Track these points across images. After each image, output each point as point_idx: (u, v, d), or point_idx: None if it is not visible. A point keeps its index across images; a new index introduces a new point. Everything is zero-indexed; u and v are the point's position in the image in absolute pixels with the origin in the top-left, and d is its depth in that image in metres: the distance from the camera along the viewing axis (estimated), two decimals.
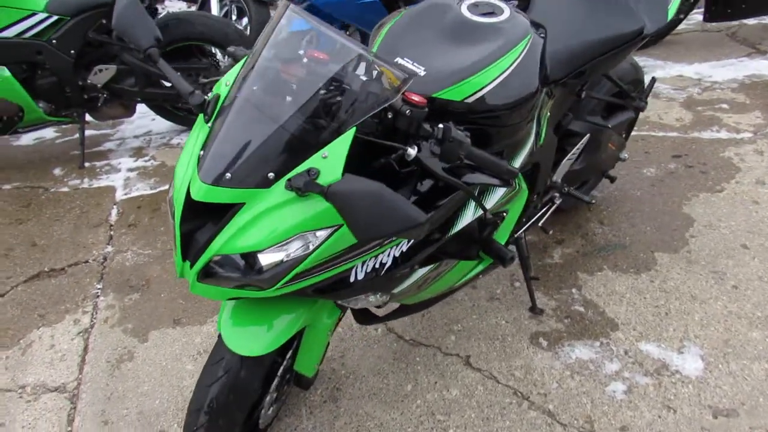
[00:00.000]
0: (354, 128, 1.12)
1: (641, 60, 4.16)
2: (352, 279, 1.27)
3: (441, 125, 1.16)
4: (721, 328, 1.98)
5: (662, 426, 1.68)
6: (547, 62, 1.66)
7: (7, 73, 2.99)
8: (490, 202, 1.49)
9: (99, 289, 2.44)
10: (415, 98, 1.18)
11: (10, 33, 2.95)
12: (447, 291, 1.67)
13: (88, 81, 3.16)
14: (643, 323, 2.03)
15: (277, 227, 1.12)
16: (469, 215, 1.43)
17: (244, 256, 1.17)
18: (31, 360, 2.11)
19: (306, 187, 1.06)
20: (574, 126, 1.99)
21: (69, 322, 2.27)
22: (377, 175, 1.25)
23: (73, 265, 2.60)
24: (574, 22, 1.79)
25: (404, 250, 1.31)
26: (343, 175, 1.11)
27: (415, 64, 1.38)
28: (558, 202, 2.08)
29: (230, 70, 1.31)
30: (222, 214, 1.17)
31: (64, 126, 3.90)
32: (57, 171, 3.42)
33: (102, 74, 3.17)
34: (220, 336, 1.37)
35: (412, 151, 1.15)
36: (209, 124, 1.22)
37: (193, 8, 4.46)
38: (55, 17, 2.98)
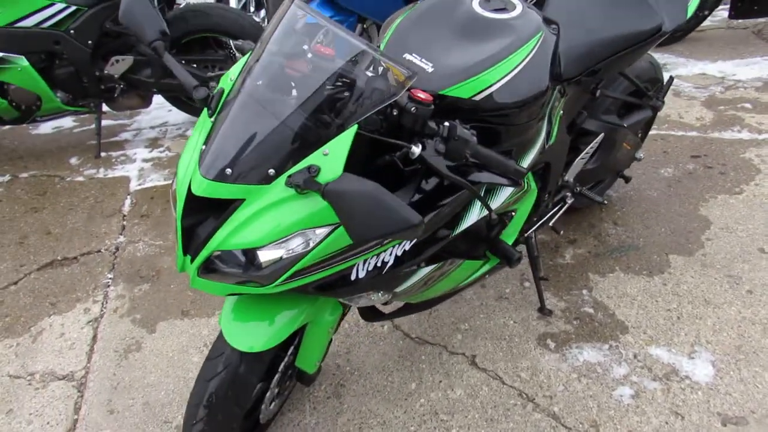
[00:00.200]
0: (356, 125, 1.10)
1: (663, 57, 4.08)
2: (353, 277, 1.26)
3: (447, 123, 1.14)
4: (734, 333, 1.94)
5: None
6: (560, 59, 1.62)
7: (25, 62, 3.02)
8: (497, 201, 1.46)
9: (110, 278, 2.47)
10: (421, 95, 1.16)
11: (29, 22, 2.97)
12: (452, 290, 1.66)
13: (105, 71, 3.18)
14: (653, 327, 1.99)
15: (276, 224, 1.11)
16: (474, 215, 1.41)
17: (244, 252, 1.16)
18: (41, 348, 2.14)
19: (305, 185, 1.05)
20: (588, 125, 1.95)
21: (79, 310, 2.30)
22: (381, 172, 1.25)
23: (86, 254, 2.62)
24: (590, 19, 1.75)
25: (407, 249, 1.29)
26: (344, 172, 1.10)
27: (423, 60, 1.35)
28: (570, 201, 2.05)
29: (235, 64, 1.30)
30: (224, 209, 1.16)
31: (82, 115, 3.93)
32: (73, 160, 3.45)
33: (119, 65, 3.19)
34: (221, 331, 1.37)
35: (417, 149, 1.14)
36: (212, 119, 1.21)
37: (213, 0, 4.47)
38: (73, 7, 3.00)
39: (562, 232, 2.29)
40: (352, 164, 1.20)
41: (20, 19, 2.94)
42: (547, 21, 1.49)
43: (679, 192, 2.65)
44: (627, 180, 2.42)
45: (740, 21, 4.45)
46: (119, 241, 2.70)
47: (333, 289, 1.27)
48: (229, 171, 1.11)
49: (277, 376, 1.50)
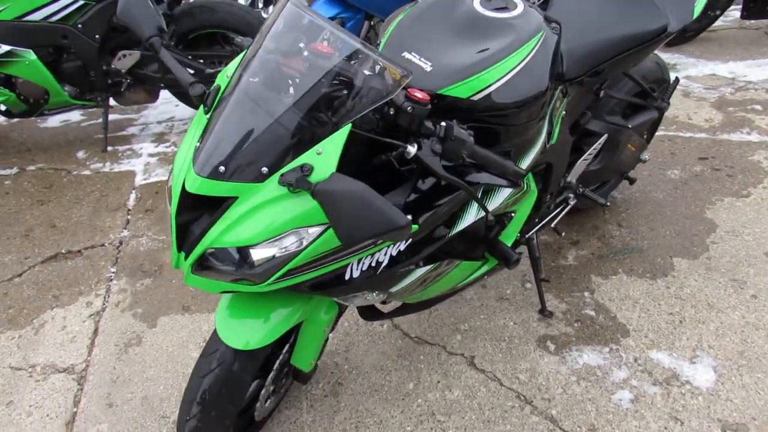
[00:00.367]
0: (350, 125, 1.09)
1: (673, 57, 4.03)
2: (347, 276, 1.25)
3: (443, 123, 1.13)
4: (737, 339, 1.91)
5: None
6: (562, 60, 1.61)
7: (33, 56, 3.04)
8: (495, 202, 1.45)
9: (113, 272, 2.48)
10: (418, 95, 1.15)
11: (37, 16, 2.99)
12: (450, 291, 1.65)
13: (112, 66, 3.19)
14: (655, 330, 1.97)
15: (269, 222, 1.11)
16: (471, 215, 1.39)
17: (238, 249, 1.16)
18: (43, 340, 2.15)
19: (297, 184, 1.04)
20: (591, 125, 1.93)
21: (82, 304, 2.31)
22: (378, 171, 1.24)
23: (90, 247, 2.64)
24: (594, 19, 1.73)
25: (402, 249, 1.29)
26: (335, 172, 1.09)
27: (422, 59, 1.34)
28: (572, 203, 2.03)
29: (232, 61, 1.30)
30: (218, 206, 1.16)
31: (89, 109, 3.96)
32: (80, 154, 3.47)
33: (126, 59, 3.20)
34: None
35: (412, 149, 1.12)
36: (208, 116, 1.21)
37: None
38: (81, 2, 3.01)
39: (563, 233, 2.28)
40: (349, 163, 1.19)
41: (28, 13, 2.96)
42: (549, 21, 1.47)
43: (685, 194, 2.63)
44: (632, 182, 2.40)
45: (753, 21, 4.39)
46: (123, 235, 2.71)
47: (327, 288, 1.26)
48: (222, 169, 1.11)
49: (272, 374, 1.50)
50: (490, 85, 1.30)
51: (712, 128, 3.11)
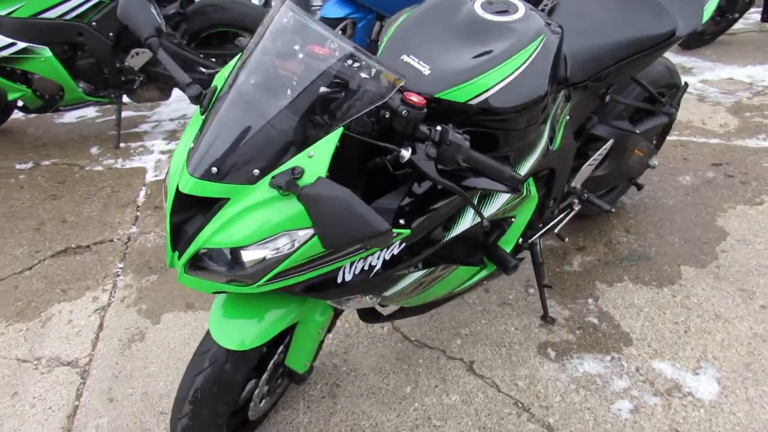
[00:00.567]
0: (341, 128, 1.09)
1: (690, 60, 3.97)
2: (340, 279, 1.25)
3: (438, 127, 1.12)
4: (744, 350, 1.88)
5: None
6: (566, 64, 1.59)
7: (48, 53, 3.08)
8: (493, 207, 1.44)
9: (120, 268, 2.51)
10: (414, 98, 1.14)
11: (53, 14, 3.03)
12: (448, 295, 1.63)
13: (126, 63, 3.23)
14: (659, 340, 1.94)
15: (260, 224, 1.11)
16: (467, 220, 1.38)
17: (230, 250, 1.16)
18: (49, 333, 2.18)
19: (287, 187, 1.04)
20: (597, 130, 1.91)
21: (88, 298, 2.34)
22: (375, 174, 1.24)
23: (99, 243, 2.67)
24: (600, 23, 1.71)
25: (395, 253, 1.28)
26: (327, 175, 1.09)
27: (420, 62, 1.34)
28: (577, 208, 2.01)
29: (229, 63, 1.30)
30: (211, 206, 1.16)
31: (104, 106, 4.00)
32: (94, 150, 3.52)
33: (139, 57, 3.23)
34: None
35: (406, 153, 1.12)
36: (203, 117, 1.22)
37: None
38: (95, 0, 3.05)
39: (567, 239, 2.25)
40: (344, 166, 1.19)
41: (44, 11, 3.00)
42: (551, 24, 1.45)
43: (696, 201, 2.58)
44: (639, 188, 2.36)
45: None
46: (131, 231, 2.74)
47: (320, 290, 1.26)
48: (215, 170, 1.11)
49: (266, 375, 1.50)
50: (487, 90, 1.29)
51: (726, 134, 3.06)
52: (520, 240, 1.77)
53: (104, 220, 2.83)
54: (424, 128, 1.14)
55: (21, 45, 3.02)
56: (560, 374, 1.86)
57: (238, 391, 1.37)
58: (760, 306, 2.03)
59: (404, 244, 1.29)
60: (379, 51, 1.44)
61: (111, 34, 3.13)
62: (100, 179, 3.19)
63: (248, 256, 1.13)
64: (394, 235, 1.18)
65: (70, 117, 4.00)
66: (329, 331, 1.64)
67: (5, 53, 3.00)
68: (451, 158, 1.13)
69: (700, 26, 1.81)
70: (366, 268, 1.26)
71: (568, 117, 1.69)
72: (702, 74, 3.77)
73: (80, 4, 3.04)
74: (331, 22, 3.53)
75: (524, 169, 1.47)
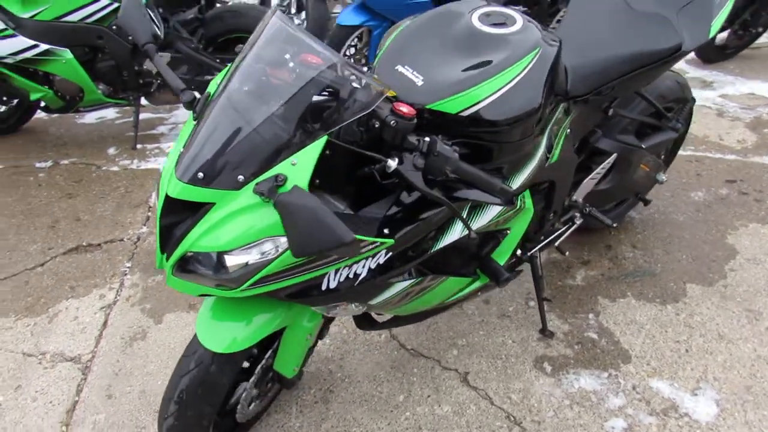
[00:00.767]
0: (325, 137, 1.11)
1: (711, 74, 3.90)
2: (324, 286, 1.25)
3: (427, 138, 1.13)
4: (746, 372, 1.83)
5: None
6: (567, 77, 1.58)
7: (70, 55, 3.16)
8: (484, 219, 1.43)
9: (128, 267, 2.55)
10: (404, 109, 1.15)
11: (75, 17, 3.11)
12: (439, 305, 1.63)
13: (144, 67, 3.30)
14: (658, 358, 1.91)
15: (243, 230, 1.13)
16: (456, 232, 1.38)
17: (216, 254, 1.18)
18: (55, 329, 2.23)
19: (268, 193, 1.06)
20: (601, 144, 1.89)
21: (95, 296, 2.39)
22: (364, 183, 1.25)
23: (109, 242, 2.72)
24: (604, 37, 1.70)
25: (381, 262, 1.28)
26: (311, 183, 1.10)
27: (414, 73, 1.34)
28: (578, 222, 1.98)
29: (223, 70, 1.32)
30: (199, 210, 1.18)
31: (123, 107, 4.08)
32: (111, 150, 3.59)
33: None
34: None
35: (392, 163, 1.12)
36: (194, 122, 1.24)
37: (255, 2, 4.57)
38: (116, 4, 3.12)
39: (567, 253, 2.23)
40: (334, 174, 1.21)
41: (67, 14, 3.08)
42: (549, 37, 1.44)
43: (707, 217, 2.54)
44: (646, 203, 2.32)
45: None
46: (141, 231, 2.79)
47: (304, 297, 1.27)
48: (201, 175, 1.13)
49: (254, 378, 1.51)
50: (479, 101, 1.29)
51: (743, 150, 3.00)
52: (519, 252, 1.75)
53: (116, 220, 2.88)
54: (412, 139, 1.15)
55: (43, 47, 3.10)
56: (555, 389, 1.84)
57: (224, 393, 1.38)
58: (766, 328, 1.98)
59: (390, 253, 1.29)
60: (376, 60, 1.45)
61: (130, 37, 3.20)
62: (115, 179, 3.26)
63: (232, 260, 1.15)
64: (366, 244, 1.18)
65: (91, 118, 4.09)
66: (321, 337, 1.65)
67: (28, 54, 3.09)
68: (439, 169, 1.13)
69: (707, 41, 1.78)
70: (351, 276, 1.27)
71: (568, 130, 1.67)
72: (722, 88, 3.70)
73: (101, 9, 3.11)
74: (347, 30, 3.56)
75: (519, 181, 1.47)
